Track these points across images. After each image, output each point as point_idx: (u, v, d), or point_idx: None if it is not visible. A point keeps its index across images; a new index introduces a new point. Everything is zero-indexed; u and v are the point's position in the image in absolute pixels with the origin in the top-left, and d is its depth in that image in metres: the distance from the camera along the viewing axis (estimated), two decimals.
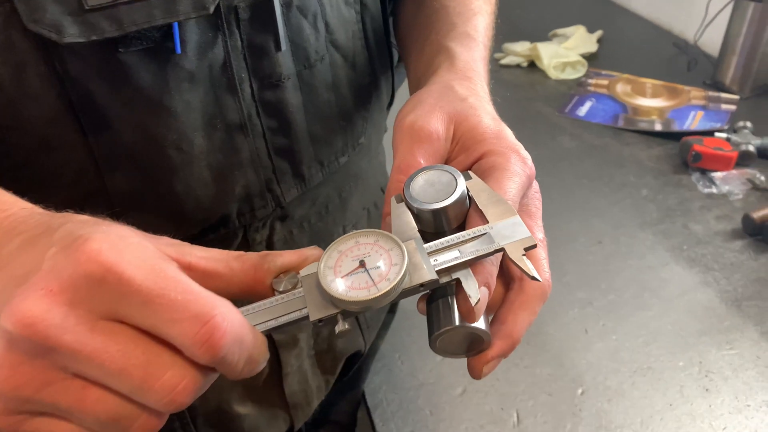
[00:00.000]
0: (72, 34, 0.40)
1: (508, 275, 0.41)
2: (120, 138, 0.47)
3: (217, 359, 0.30)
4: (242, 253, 0.37)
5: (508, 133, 0.44)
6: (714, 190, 1.20)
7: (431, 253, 0.36)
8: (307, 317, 0.35)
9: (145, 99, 0.46)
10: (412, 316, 0.91)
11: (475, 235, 0.36)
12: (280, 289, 0.37)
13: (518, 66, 1.69)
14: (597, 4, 2.04)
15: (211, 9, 0.44)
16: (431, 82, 0.50)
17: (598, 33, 1.80)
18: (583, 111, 1.49)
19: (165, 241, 0.35)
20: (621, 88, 1.57)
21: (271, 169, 0.56)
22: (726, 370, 0.86)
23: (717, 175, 1.22)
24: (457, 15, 0.59)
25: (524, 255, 0.35)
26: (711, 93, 1.52)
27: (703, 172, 1.24)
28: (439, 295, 0.38)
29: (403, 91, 0.69)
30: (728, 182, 1.20)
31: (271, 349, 0.65)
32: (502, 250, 0.36)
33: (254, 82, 0.51)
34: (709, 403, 0.82)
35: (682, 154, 1.28)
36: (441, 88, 0.48)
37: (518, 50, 1.69)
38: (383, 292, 0.34)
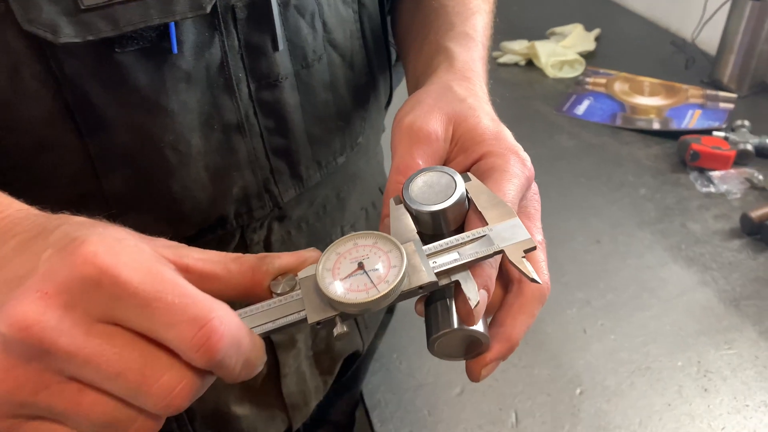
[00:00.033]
0: (68, 34, 0.40)
1: (506, 277, 0.41)
2: (116, 138, 0.47)
3: (214, 363, 0.30)
4: (240, 255, 0.37)
5: (508, 134, 0.44)
6: (712, 189, 1.20)
7: (430, 255, 0.36)
8: (305, 320, 0.35)
9: (141, 99, 0.45)
10: (410, 316, 0.90)
11: (474, 237, 0.36)
12: (278, 292, 0.36)
13: (516, 64, 1.69)
14: (595, 2, 2.04)
15: (208, 9, 0.44)
16: (430, 83, 0.49)
17: (596, 31, 1.80)
18: (581, 110, 1.49)
19: (162, 243, 0.35)
20: (619, 87, 1.57)
21: (268, 169, 0.56)
22: (725, 370, 0.86)
23: (715, 174, 1.22)
24: (456, 14, 0.58)
25: (524, 257, 0.35)
26: (709, 91, 1.52)
27: (702, 171, 1.24)
28: (437, 297, 0.38)
29: (401, 90, 0.68)
30: (726, 181, 1.20)
31: (269, 349, 0.65)
32: (501, 252, 0.35)
33: (251, 82, 0.51)
34: (707, 403, 0.82)
35: (680, 153, 1.27)
36: (440, 89, 0.47)
37: (516, 49, 1.69)
38: (382, 294, 0.34)
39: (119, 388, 0.30)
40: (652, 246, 1.08)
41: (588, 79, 1.60)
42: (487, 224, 0.37)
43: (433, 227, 0.40)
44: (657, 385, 0.85)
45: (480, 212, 0.38)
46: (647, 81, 1.58)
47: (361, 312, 0.34)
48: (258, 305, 0.36)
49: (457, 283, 0.36)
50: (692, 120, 1.43)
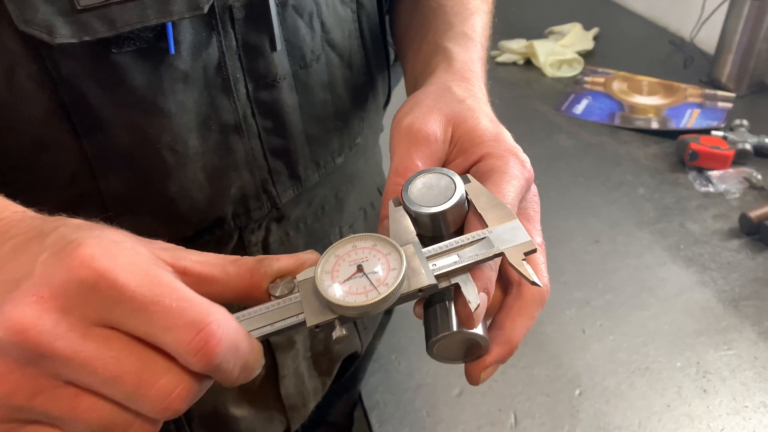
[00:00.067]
0: (64, 34, 0.40)
1: (506, 279, 0.40)
2: (113, 139, 0.46)
3: (212, 367, 0.30)
4: (238, 257, 0.37)
5: (507, 136, 0.43)
6: (711, 188, 1.20)
7: (430, 258, 0.36)
8: (303, 323, 0.35)
9: (138, 100, 0.45)
10: (408, 317, 0.90)
11: (474, 239, 0.36)
12: (277, 294, 0.36)
13: (514, 63, 1.69)
14: (593, 1, 2.03)
15: (206, 9, 0.44)
16: (429, 83, 0.49)
17: (595, 30, 1.80)
18: (579, 109, 1.48)
19: (159, 245, 0.35)
20: (617, 86, 1.57)
21: (266, 170, 0.56)
22: (724, 370, 0.86)
23: (714, 173, 1.22)
24: (455, 14, 0.58)
25: (524, 260, 0.35)
26: (707, 91, 1.52)
27: (700, 170, 1.24)
28: (436, 299, 0.38)
29: (399, 90, 0.68)
30: (725, 181, 1.20)
31: (268, 351, 0.65)
32: (501, 254, 0.35)
33: (249, 83, 0.51)
34: (707, 404, 0.82)
35: (679, 153, 1.27)
36: (439, 89, 0.47)
37: (514, 48, 1.69)
38: (381, 297, 0.33)
39: (116, 392, 0.30)
40: (651, 246, 1.08)
41: (586, 79, 1.60)
42: (486, 226, 0.37)
43: (433, 229, 0.39)
44: (656, 386, 0.85)
45: (480, 214, 0.38)
46: (646, 80, 1.58)
47: (361, 315, 0.34)
48: (256, 308, 0.35)
49: (457, 286, 0.35)
50: (691, 119, 1.43)
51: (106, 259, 0.29)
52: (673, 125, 1.41)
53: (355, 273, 0.35)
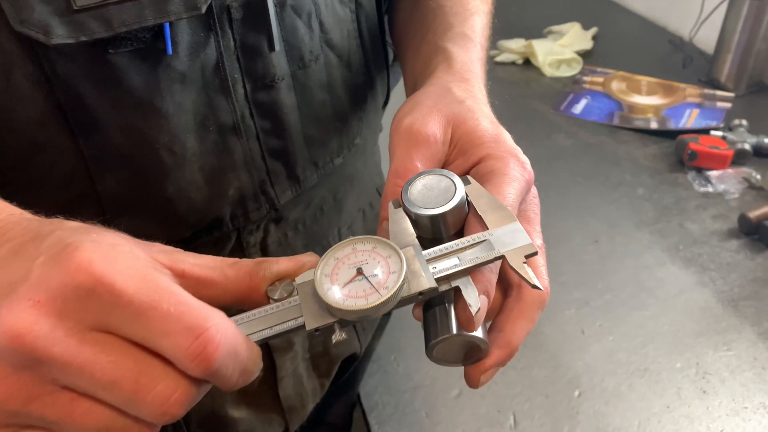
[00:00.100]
0: (60, 35, 0.39)
1: (505, 281, 0.40)
2: (110, 140, 0.46)
3: (211, 372, 0.30)
4: (237, 260, 0.36)
5: (507, 137, 0.43)
6: (710, 189, 1.20)
7: (430, 261, 0.36)
8: (303, 326, 0.35)
9: (135, 101, 0.45)
10: (407, 318, 0.89)
11: (474, 241, 0.36)
12: (276, 297, 0.36)
13: (513, 63, 1.69)
14: (592, 1, 2.03)
15: (203, 9, 0.43)
16: (428, 84, 0.49)
17: (593, 30, 1.80)
18: (578, 109, 1.48)
19: (157, 248, 0.35)
20: (616, 86, 1.56)
21: (264, 170, 0.55)
22: (723, 371, 0.86)
23: (713, 173, 1.22)
24: (454, 15, 0.58)
25: (525, 263, 0.34)
26: (706, 90, 1.52)
27: (699, 170, 1.24)
28: (436, 302, 0.37)
29: (398, 90, 0.68)
30: (724, 181, 1.20)
31: (266, 352, 0.64)
32: (502, 257, 0.35)
33: (247, 83, 0.50)
34: (706, 405, 0.82)
35: (678, 153, 1.27)
36: (438, 90, 0.47)
37: (513, 47, 1.69)
38: (381, 301, 0.33)
39: (114, 396, 0.30)
40: (650, 246, 1.08)
41: (585, 78, 1.60)
42: (487, 228, 0.37)
43: (433, 231, 0.39)
44: (656, 387, 0.85)
45: (480, 216, 0.37)
46: (645, 80, 1.58)
47: (360, 319, 0.34)
48: (255, 311, 0.35)
49: (457, 289, 0.35)
50: (690, 119, 1.43)
51: (104, 263, 0.29)
52: (672, 125, 1.41)
53: (354, 276, 0.35)
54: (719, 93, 1.51)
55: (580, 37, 1.74)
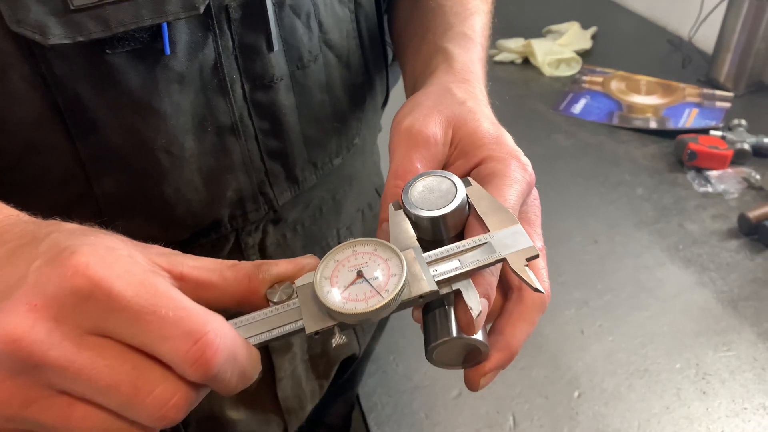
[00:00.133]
0: (57, 35, 0.39)
1: (506, 284, 0.40)
2: (108, 141, 0.46)
3: (210, 377, 0.30)
4: (236, 262, 0.36)
5: (508, 139, 0.43)
6: (709, 189, 1.20)
7: (431, 263, 0.35)
8: (302, 329, 0.34)
9: (133, 101, 0.44)
10: (406, 318, 0.89)
11: (475, 244, 0.35)
12: (275, 300, 0.35)
13: (512, 63, 1.68)
14: (591, 0, 2.03)
15: (202, 9, 0.43)
16: (428, 84, 0.48)
17: (593, 29, 1.79)
18: (577, 108, 1.48)
19: (156, 250, 0.34)
20: (615, 86, 1.56)
21: (263, 171, 0.55)
22: (723, 372, 0.86)
23: (712, 173, 1.22)
24: (454, 15, 0.57)
25: (526, 266, 0.34)
26: (705, 90, 1.52)
27: (699, 170, 1.24)
28: (435, 304, 0.37)
29: (397, 89, 0.67)
30: (724, 181, 1.20)
31: (264, 353, 0.64)
32: (503, 260, 0.35)
33: (246, 84, 0.50)
34: (706, 406, 0.82)
35: (678, 153, 1.27)
36: (439, 91, 0.46)
37: (512, 47, 1.69)
38: (382, 304, 0.33)
39: (112, 400, 0.29)
40: (650, 246, 1.08)
41: (585, 78, 1.60)
42: (488, 231, 0.36)
43: (433, 233, 0.39)
44: (655, 388, 0.84)
45: (481, 218, 0.37)
46: (644, 79, 1.58)
47: (360, 322, 0.34)
48: (254, 314, 0.35)
49: (458, 292, 0.35)
50: (689, 119, 1.43)
51: (101, 267, 0.29)
52: (671, 125, 1.41)
53: (355, 279, 0.34)
54: (718, 93, 1.51)
55: (579, 37, 1.74)
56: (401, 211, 0.39)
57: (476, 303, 0.34)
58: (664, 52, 1.69)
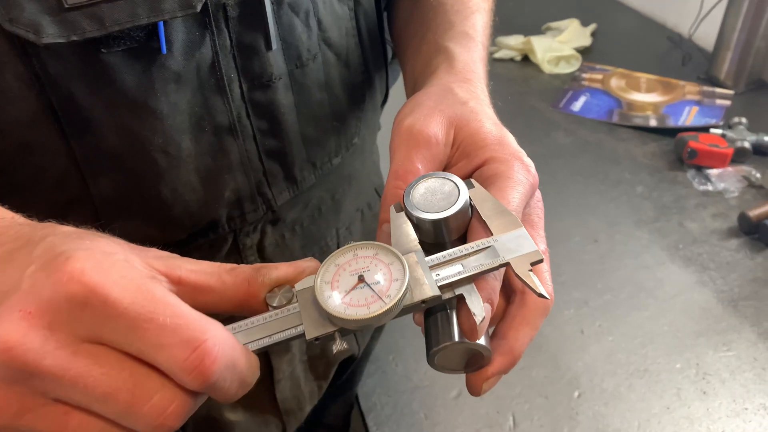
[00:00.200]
0: (51, 34, 0.38)
1: (508, 287, 0.39)
2: (103, 141, 0.45)
3: (208, 385, 0.29)
4: (235, 265, 0.35)
5: (511, 140, 0.42)
6: (710, 187, 1.19)
7: (433, 267, 0.35)
8: (302, 335, 0.34)
9: (129, 101, 0.44)
10: (406, 318, 0.89)
11: (478, 248, 0.35)
12: (275, 304, 0.35)
13: (512, 60, 1.68)
14: None
15: (199, 7, 0.42)
16: (430, 84, 0.48)
17: (592, 26, 1.79)
18: (577, 106, 1.47)
19: (153, 253, 0.34)
20: (615, 83, 1.56)
21: (261, 171, 0.54)
22: (723, 372, 0.86)
23: (713, 172, 1.22)
24: (455, 13, 0.57)
25: (530, 270, 0.34)
26: (705, 88, 1.51)
27: (699, 169, 1.23)
28: (437, 308, 0.36)
29: (397, 88, 0.67)
30: (724, 179, 1.20)
31: (263, 354, 0.63)
32: (507, 264, 0.34)
33: (244, 83, 0.49)
34: (706, 406, 0.82)
35: (678, 151, 1.27)
36: (440, 91, 0.46)
37: (512, 44, 1.68)
38: (384, 310, 0.32)
39: (109, 408, 0.29)
40: (650, 245, 1.07)
41: (584, 75, 1.59)
42: (491, 234, 0.36)
43: (435, 236, 0.38)
44: (655, 388, 0.84)
45: (484, 221, 0.36)
46: (644, 77, 1.57)
47: (361, 328, 0.33)
48: (253, 319, 0.34)
49: (461, 297, 0.34)
50: (689, 117, 1.42)
51: (97, 273, 0.28)
52: (671, 123, 1.40)
53: (356, 284, 0.34)
54: (718, 90, 1.50)
55: (579, 34, 1.73)
56: (403, 213, 0.38)
57: (479, 308, 0.33)
58: (664, 50, 1.68)
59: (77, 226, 0.33)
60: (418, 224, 0.38)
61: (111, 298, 0.28)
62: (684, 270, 1.02)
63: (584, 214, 1.15)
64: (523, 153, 0.41)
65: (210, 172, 0.51)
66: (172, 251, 0.35)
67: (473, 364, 0.38)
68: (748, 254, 1.04)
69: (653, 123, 1.40)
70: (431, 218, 0.37)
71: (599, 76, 1.59)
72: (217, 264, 0.35)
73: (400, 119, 0.44)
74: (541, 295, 0.33)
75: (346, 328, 0.33)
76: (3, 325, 0.27)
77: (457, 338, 0.35)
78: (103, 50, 0.41)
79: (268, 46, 0.49)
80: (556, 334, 0.92)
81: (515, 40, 1.68)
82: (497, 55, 1.68)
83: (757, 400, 0.82)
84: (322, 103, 0.57)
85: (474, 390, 0.39)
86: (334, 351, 0.33)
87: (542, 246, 0.40)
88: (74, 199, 0.47)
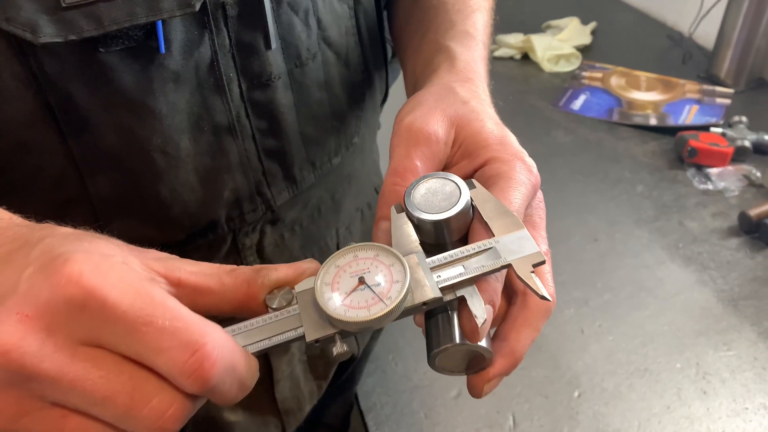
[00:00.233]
0: (48, 33, 0.38)
1: (510, 288, 0.39)
2: (101, 141, 0.45)
3: (207, 388, 0.29)
4: (234, 267, 0.35)
5: (513, 140, 0.42)
6: (710, 186, 1.19)
7: (434, 269, 0.34)
8: (302, 337, 0.33)
9: (127, 101, 0.43)
10: (406, 318, 0.89)
11: (480, 249, 0.35)
12: (274, 306, 0.34)
13: (511, 58, 1.67)
14: None
15: (197, 6, 0.42)
16: (431, 83, 0.47)
17: (592, 25, 1.78)
18: (577, 105, 1.47)
19: (152, 255, 0.33)
20: (615, 82, 1.55)
21: (261, 171, 0.54)
22: (723, 371, 0.86)
23: (713, 171, 1.21)
24: (456, 12, 0.56)
25: (532, 272, 0.33)
26: (706, 86, 1.51)
27: (699, 167, 1.23)
28: (439, 309, 0.36)
29: (397, 87, 0.66)
30: (724, 178, 1.19)
31: (262, 355, 0.63)
32: (509, 266, 0.34)
33: (243, 82, 0.49)
34: (707, 406, 0.81)
35: (678, 150, 1.26)
36: (442, 90, 0.45)
37: (511, 42, 1.67)
38: (384, 312, 0.32)
39: (106, 412, 0.29)
40: (650, 244, 1.07)
41: (584, 74, 1.59)
42: (493, 235, 0.35)
43: (436, 237, 0.38)
44: (656, 387, 0.84)
45: (485, 222, 0.36)
46: (644, 75, 1.57)
47: (362, 330, 0.33)
48: (253, 320, 0.34)
49: (462, 299, 0.34)
50: (689, 115, 1.42)
51: (95, 275, 0.28)
52: (671, 121, 1.40)
53: (357, 286, 0.33)
54: (719, 89, 1.50)
55: (579, 32, 1.73)
56: (403, 214, 0.38)
57: (481, 310, 0.33)
58: (665, 48, 1.68)
59: (75, 227, 0.33)
60: (419, 225, 0.37)
61: (109, 301, 0.27)
62: (684, 269, 1.02)
63: (584, 213, 1.14)
64: (524, 153, 0.41)
65: (209, 172, 0.50)
66: (170, 252, 0.35)
67: (474, 365, 0.38)
68: (748, 253, 1.04)
69: (653, 122, 1.40)
70: (432, 219, 0.37)
71: (599, 75, 1.58)
72: (217, 265, 0.35)
73: (400, 117, 0.43)
74: (543, 297, 0.33)
75: (346, 331, 0.33)
76: (0, 328, 0.27)
77: (458, 340, 0.35)
78: (101, 50, 0.40)
79: (268, 46, 0.49)
80: (556, 334, 0.92)
81: (515, 39, 1.68)
82: (497, 54, 1.67)
83: (757, 399, 0.82)
84: (321, 103, 0.56)
85: (475, 392, 0.38)
86: (335, 353, 0.33)
87: (544, 247, 0.40)
88: (72, 199, 0.47)
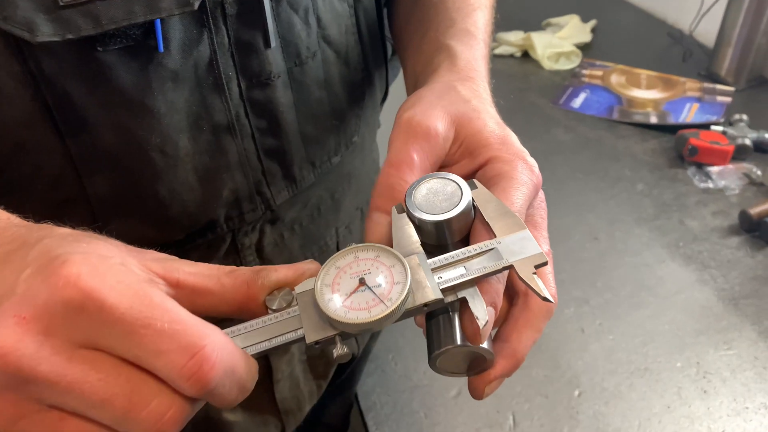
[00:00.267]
0: (45, 32, 0.37)
1: (511, 289, 0.39)
2: (100, 141, 0.44)
3: (207, 391, 0.29)
4: (234, 268, 0.35)
5: (514, 139, 0.42)
6: (710, 184, 1.19)
7: (435, 270, 0.34)
8: (302, 339, 0.33)
9: (126, 100, 0.43)
10: None
11: (482, 250, 0.34)
12: (274, 307, 0.34)
13: (512, 56, 1.67)
14: None
15: (196, 5, 0.42)
16: (432, 82, 0.47)
17: (592, 22, 1.78)
18: (577, 102, 1.47)
19: (151, 256, 0.33)
20: (615, 79, 1.55)
21: (260, 170, 0.54)
22: (724, 371, 0.85)
23: (713, 169, 1.21)
24: (457, 10, 0.56)
25: (534, 273, 0.33)
26: (706, 84, 1.51)
27: (699, 166, 1.23)
28: (440, 310, 0.36)
29: (397, 85, 0.66)
30: (724, 177, 1.19)
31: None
32: (510, 267, 0.33)
33: (242, 81, 0.49)
34: (707, 405, 0.81)
35: (678, 148, 1.26)
36: (443, 88, 0.45)
37: (512, 40, 1.67)
38: (385, 314, 0.32)
39: (105, 415, 0.29)
40: (650, 243, 1.07)
41: (584, 72, 1.58)
42: (494, 236, 0.35)
43: (437, 237, 0.38)
44: (656, 387, 0.84)
45: (487, 223, 0.36)
46: (644, 73, 1.57)
47: (362, 332, 0.33)
48: (252, 322, 0.34)
49: (463, 300, 0.34)
50: (690, 114, 1.41)
51: (93, 277, 0.27)
52: (671, 119, 1.40)
53: (357, 287, 0.33)
54: (719, 87, 1.49)
55: (579, 30, 1.72)
56: (404, 214, 0.38)
57: (483, 312, 0.33)
58: (665, 46, 1.68)
59: (73, 227, 0.33)
60: (420, 226, 0.37)
61: (107, 303, 0.27)
62: (684, 268, 1.02)
63: (584, 212, 1.14)
64: (526, 153, 0.41)
65: (208, 172, 0.50)
66: (169, 252, 0.35)
67: (475, 367, 0.38)
68: (748, 252, 1.04)
69: (653, 120, 1.40)
70: (433, 220, 0.36)
71: (599, 73, 1.58)
72: (216, 266, 0.35)
73: (401, 113, 0.43)
74: (545, 299, 0.33)
75: (346, 332, 0.33)
76: None
77: (459, 341, 0.35)
78: (99, 48, 0.40)
79: (267, 44, 0.48)
80: (556, 333, 0.91)
81: (515, 36, 1.68)
82: (497, 51, 1.67)
83: (757, 398, 0.82)
84: (321, 102, 0.56)
85: (476, 393, 0.38)
86: (335, 355, 0.33)
87: (546, 247, 0.40)
88: (70, 199, 0.47)
